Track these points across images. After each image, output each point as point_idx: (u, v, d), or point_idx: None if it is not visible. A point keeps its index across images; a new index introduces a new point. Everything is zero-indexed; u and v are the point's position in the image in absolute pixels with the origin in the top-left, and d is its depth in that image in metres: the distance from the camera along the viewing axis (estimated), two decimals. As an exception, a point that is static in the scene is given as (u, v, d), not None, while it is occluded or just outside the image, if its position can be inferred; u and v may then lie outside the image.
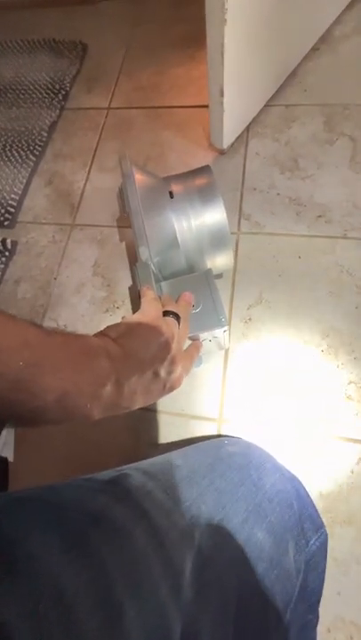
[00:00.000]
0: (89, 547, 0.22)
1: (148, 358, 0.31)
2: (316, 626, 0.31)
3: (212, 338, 0.45)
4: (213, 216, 0.47)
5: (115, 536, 0.23)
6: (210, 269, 0.47)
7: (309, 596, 0.30)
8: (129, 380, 0.29)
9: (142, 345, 0.31)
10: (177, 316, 0.37)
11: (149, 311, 0.35)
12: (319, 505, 0.45)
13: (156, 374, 0.32)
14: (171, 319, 0.36)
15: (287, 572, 0.27)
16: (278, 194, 0.64)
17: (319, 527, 0.33)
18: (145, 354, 0.31)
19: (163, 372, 0.32)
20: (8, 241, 0.68)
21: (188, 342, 0.44)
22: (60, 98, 0.82)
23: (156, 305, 0.37)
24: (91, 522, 0.24)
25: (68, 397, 0.25)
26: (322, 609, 0.33)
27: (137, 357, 0.30)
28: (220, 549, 0.26)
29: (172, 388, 0.35)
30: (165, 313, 0.37)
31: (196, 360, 0.42)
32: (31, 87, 0.84)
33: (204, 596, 0.24)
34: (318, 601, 0.31)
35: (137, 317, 0.34)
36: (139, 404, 0.31)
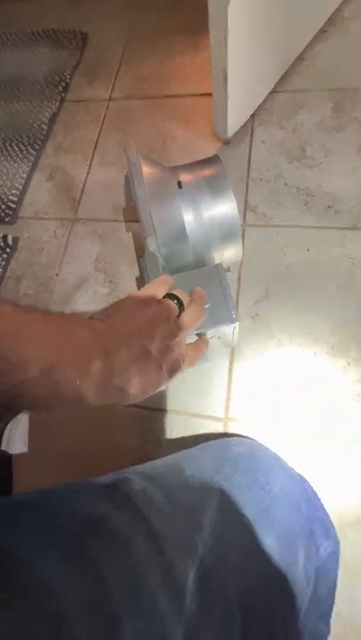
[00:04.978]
0: (86, 556, 0.21)
1: (134, 332, 0.29)
2: (327, 636, 0.30)
3: (220, 335, 0.44)
4: (224, 208, 0.45)
5: (113, 544, 0.22)
6: (220, 264, 0.45)
7: (320, 606, 0.29)
8: (118, 353, 0.27)
9: (126, 319, 0.30)
10: (180, 304, 0.35)
11: (145, 290, 0.34)
12: (328, 507, 0.44)
13: (146, 350, 0.30)
14: (168, 300, 0.34)
15: (297, 580, 0.26)
16: (285, 184, 0.62)
17: (329, 530, 0.32)
18: (130, 328, 0.29)
19: (153, 350, 0.30)
20: (9, 237, 0.67)
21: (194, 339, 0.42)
22: (60, 89, 0.80)
23: (158, 286, 0.34)
24: (89, 530, 0.23)
25: (55, 370, 0.24)
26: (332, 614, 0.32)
27: (122, 331, 0.29)
28: (225, 558, 0.25)
29: (170, 371, 0.32)
30: (170, 296, 0.34)
31: (203, 353, 0.40)
32: (31, 79, 0.82)
33: (207, 607, 0.23)
34: (330, 610, 0.30)
35: (126, 296, 0.33)
36: (135, 385, 0.29)
